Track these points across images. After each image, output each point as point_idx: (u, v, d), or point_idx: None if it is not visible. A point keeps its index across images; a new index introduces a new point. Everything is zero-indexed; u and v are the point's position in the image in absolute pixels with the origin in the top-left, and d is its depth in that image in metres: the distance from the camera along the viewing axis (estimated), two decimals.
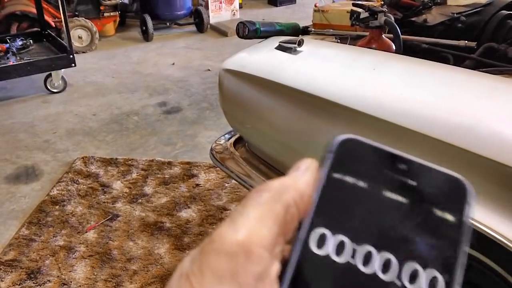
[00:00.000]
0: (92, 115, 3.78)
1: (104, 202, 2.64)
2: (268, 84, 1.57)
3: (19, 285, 2.12)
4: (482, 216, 1.03)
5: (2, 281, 2.14)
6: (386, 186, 0.28)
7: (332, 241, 0.27)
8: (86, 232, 2.43)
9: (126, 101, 4.02)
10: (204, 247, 0.27)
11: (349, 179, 0.29)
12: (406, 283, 0.27)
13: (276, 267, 0.27)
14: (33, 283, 2.13)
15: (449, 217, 0.28)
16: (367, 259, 0.27)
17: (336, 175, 0.29)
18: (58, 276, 2.16)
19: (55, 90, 4.16)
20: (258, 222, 0.27)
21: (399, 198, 0.28)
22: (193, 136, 3.39)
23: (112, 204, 2.63)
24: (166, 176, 2.86)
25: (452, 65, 1.65)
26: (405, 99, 1.27)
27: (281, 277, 0.27)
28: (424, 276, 0.27)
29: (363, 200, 0.28)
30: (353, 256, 0.27)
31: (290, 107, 1.53)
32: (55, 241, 2.36)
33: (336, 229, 0.28)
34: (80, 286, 2.11)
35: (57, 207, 2.62)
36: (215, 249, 0.26)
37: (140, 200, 2.65)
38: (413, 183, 0.29)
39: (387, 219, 0.28)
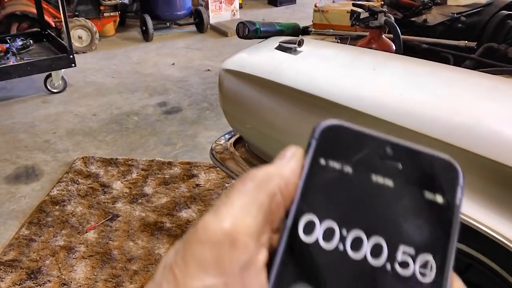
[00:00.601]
0: (92, 115, 3.78)
1: (104, 202, 2.64)
2: (268, 84, 1.57)
3: (19, 285, 2.12)
4: (482, 216, 1.03)
5: (2, 281, 2.14)
6: (373, 171, 0.28)
7: (320, 227, 0.27)
8: (86, 232, 2.43)
9: (126, 101, 4.02)
10: (188, 237, 0.26)
11: (334, 164, 0.28)
12: (397, 268, 0.26)
13: (263, 256, 0.26)
14: (33, 283, 2.13)
15: (440, 199, 0.27)
16: (357, 244, 0.26)
17: (321, 161, 0.28)
18: (58, 276, 2.16)
19: (55, 90, 4.16)
20: (242, 211, 0.26)
21: (387, 182, 0.28)
22: (193, 136, 3.40)
23: (112, 204, 2.63)
24: (166, 176, 2.86)
25: (452, 65, 1.65)
26: (405, 99, 1.27)
27: (269, 266, 0.26)
28: (415, 260, 0.26)
29: (350, 185, 0.28)
30: (342, 242, 0.27)
31: (290, 107, 1.53)
32: (55, 241, 2.36)
33: (324, 215, 0.27)
34: (80, 286, 2.11)
35: (57, 207, 2.62)
36: (199, 239, 0.26)
37: (140, 200, 2.65)
38: (401, 166, 0.28)
39: (375, 204, 0.27)
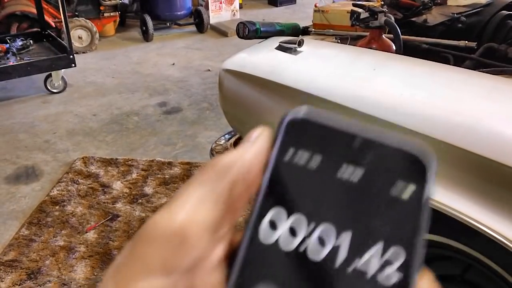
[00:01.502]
0: (92, 115, 3.78)
1: (104, 203, 2.64)
2: (268, 84, 1.57)
3: (19, 285, 2.12)
4: (482, 216, 1.03)
5: (2, 281, 2.14)
6: (340, 164, 0.27)
7: (283, 226, 0.26)
8: (86, 232, 2.43)
9: (126, 101, 4.02)
10: (138, 235, 0.25)
11: (300, 157, 0.27)
12: (362, 266, 0.25)
13: (219, 251, 0.25)
14: (33, 283, 2.13)
15: (407, 194, 0.26)
16: (321, 242, 0.26)
17: (288, 154, 0.27)
18: (58, 277, 2.16)
19: (55, 90, 4.16)
20: (198, 203, 0.25)
21: (354, 176, 0.27)
22: (193, 136, 3.39)
23: (112, 204, 2.63)
24: (166, 176, 2.86)
25: (452, 65, 1.65)
26: (405, 99, 1.27)
27: (231, 260, 0.25)
28: (381, 258, 0.25)
29: (316, 179, 0.27)
30: (307, 239, 0.26)
31: (290, 107, 1.53)
32: (55, 241, 2.36)
33: (289, 210, 0.26)
34: (80, 286, 2.11)
35: (57, 207, 2.62)
36: (147, 237, 0.24)
37: (140, 201, 2.65)
38: (369, 160, 0.27)
39: (341, 199, 0.26)
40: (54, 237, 2.40)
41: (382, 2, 2.11)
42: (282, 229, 0.26)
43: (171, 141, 3.34)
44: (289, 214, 0.26)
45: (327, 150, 0.27)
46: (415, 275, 0.25)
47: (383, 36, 1.85)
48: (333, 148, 0.27)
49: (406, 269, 0.25)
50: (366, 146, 0.27)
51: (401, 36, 1.72)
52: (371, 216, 0.26)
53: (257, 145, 0.28)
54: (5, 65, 3.82)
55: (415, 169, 0.27)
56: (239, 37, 1.90)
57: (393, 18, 1.81)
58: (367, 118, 1.25)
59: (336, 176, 0.27)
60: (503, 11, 1.94)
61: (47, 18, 4.60)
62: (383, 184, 0.27)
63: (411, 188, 0.26)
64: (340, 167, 0.27)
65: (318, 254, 0.26)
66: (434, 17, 2.05)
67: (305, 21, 2.40)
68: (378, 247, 0.26)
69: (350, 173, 0.27)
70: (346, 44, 1.98)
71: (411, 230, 0.26)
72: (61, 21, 4.05)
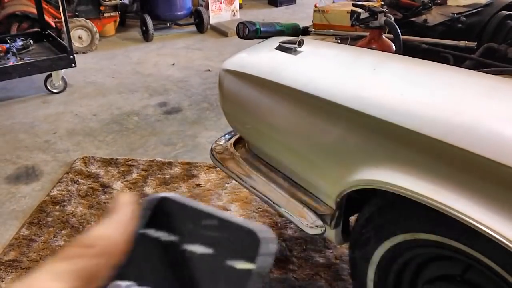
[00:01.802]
0: (92, 115, 3.78)
1: (105, 203, 2.64)
2: (268, 84, 1.57)
3: None
4: (483, 216, 1.03)
5: (2, 281, 2.14)
6: (192, 241, 0.31)
7: None
8: None
9: (126, 101, 4.02)
10: None
11: (157, 234, 0.32)
12: None
13: None
14: None
15: (241, 265, 0.30)
16: None
17: (146, 231, 0.32)
18: None
19: (55, 90, 4.16)
20: (54, 277, 0.27)
21: (201, 250, 0.31)
22: (193, 136, 3.40)
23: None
24: (167, 176, 2.86)
25: (452, 65, 1.65)
26: (405, 99, 1.27)
27: None
28: None
29: (171, 255, 0.31)
30: None
31: (290, 108, 1.54)
32: (55, 242, 2.36)
33: (139, 284, 0.30)
34: None
35: (57, 207, 2.62)
36: None
37: (140, 201, 2.65)
38: (215, 236, 0.31)
39: (188, 271, 0.31)
40: (54, 237, 2.40)
41: (382, 2, 2.11)
42: None
43: (171, 141, 3.34)
44: (140, 286, 0.30)
45: (183, 227, 0.32)
46: None
47: (383, 36, 1.85)
48: (186, 226, 0.32)
49: None
50: (215, 223, 0.32)
51: (401, 36, 1.72)
52: (214, 285, 0.31)
53: (122, 217, 0.31)
54: (5, 65, 3.82)
55: (251, 244, 0.31)
56: (239, 37, 1.91)
57: (393, 18, 1.81)
58: (367, 118, 1.25)
59: (186, 250, 0.31)
60: (503, 11, 1.94)
61: (47, 18, 4.60)
62: (222, 256, 0.31)
63: (245, 260, 0.31)
64: (192, 243, 0.32)
65: None
66: (434, 17, 2.05)
67: (305, 21, 2.41)
68: None
69: (198, 247, 0.31)
70: (346, 44, 1.98)
71: None
72: (61, 21, 4.04)
